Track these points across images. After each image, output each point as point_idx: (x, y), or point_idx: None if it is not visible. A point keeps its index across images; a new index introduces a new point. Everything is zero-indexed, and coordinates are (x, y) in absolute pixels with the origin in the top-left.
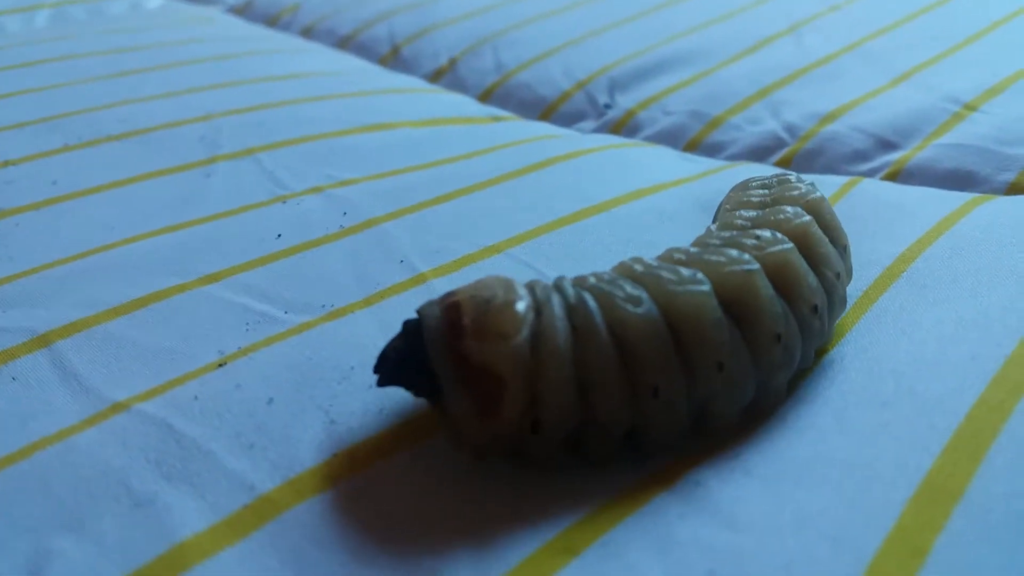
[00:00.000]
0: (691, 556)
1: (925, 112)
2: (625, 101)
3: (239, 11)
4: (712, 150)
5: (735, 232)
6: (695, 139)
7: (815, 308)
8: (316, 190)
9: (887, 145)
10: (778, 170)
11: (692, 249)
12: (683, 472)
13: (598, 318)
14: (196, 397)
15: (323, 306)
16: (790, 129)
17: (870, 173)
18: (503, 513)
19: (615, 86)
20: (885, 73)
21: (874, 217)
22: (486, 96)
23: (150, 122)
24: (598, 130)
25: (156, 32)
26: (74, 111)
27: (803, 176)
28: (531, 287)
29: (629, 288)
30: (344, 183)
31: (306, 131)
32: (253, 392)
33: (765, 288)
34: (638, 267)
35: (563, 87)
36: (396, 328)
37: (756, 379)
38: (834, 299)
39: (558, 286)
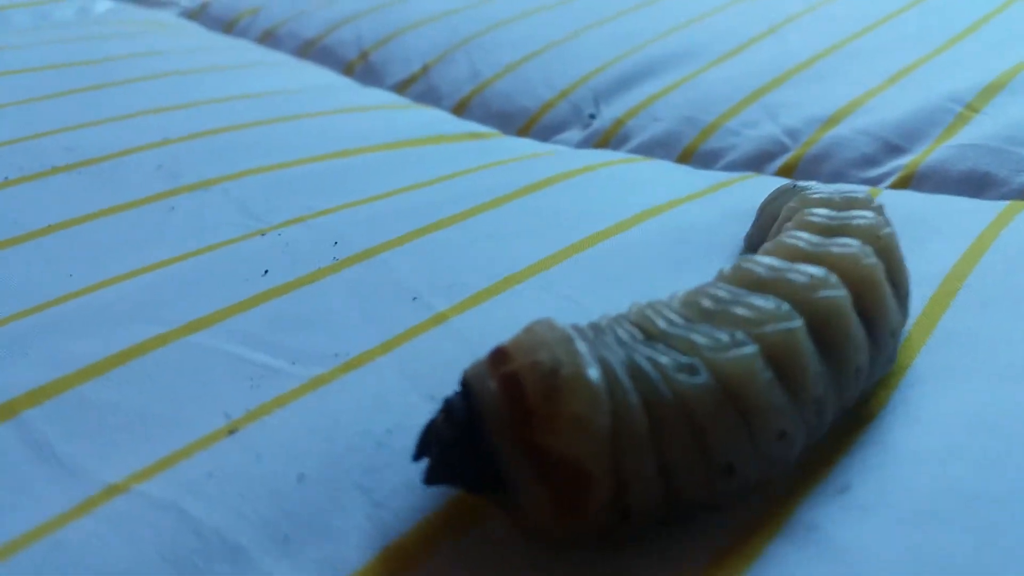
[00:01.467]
0: None
1: (928, 113)
2: (611, 110)
3: (194, 15)
4: (709, 159)
5: (780, 266)
6: (690, 147)
7: (858, 370)
8: (296, 220)
9: (895, 149)
10: (784, 180)
11: (721, 292)
12: (787, 514)
13: (665, 390)
14: (211, 474)
15: (336, 355)
16: (791, 134)
17: (880, 179)
18: None
19: (599, 94)
20: (876, 73)
21: (904, 235)
22: (462, 108)
23: (101, 150)
24: (585, 142)
25: (106, 44)
26: (14, 139)
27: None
28: (585, 342)
29: (678, 356)
30: (325, 212)
31: (274, 158)
32: (277, 466)
33: (808, 349)
34: (661, 323)
35: (545, 97)
36: (425, 380)
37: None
38: (879, 360)
39: (610, 341)
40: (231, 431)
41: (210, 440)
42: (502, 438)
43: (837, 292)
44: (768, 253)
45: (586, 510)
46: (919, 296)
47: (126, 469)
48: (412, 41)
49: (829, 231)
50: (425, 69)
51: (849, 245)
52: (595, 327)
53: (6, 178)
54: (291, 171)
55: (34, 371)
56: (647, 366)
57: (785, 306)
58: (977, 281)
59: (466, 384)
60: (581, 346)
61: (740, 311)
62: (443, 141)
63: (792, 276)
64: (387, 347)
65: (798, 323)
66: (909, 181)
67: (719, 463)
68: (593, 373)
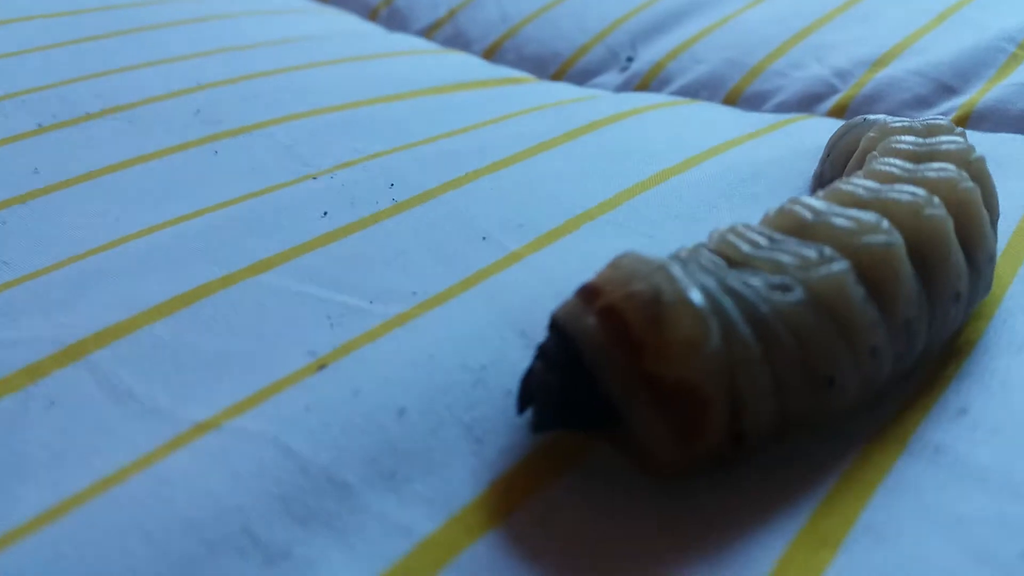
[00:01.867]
0: (988, 535)
1: (981, 52)
2: (649, 53)
3: None
4: (756, 101)
5: (879, 187)
6: (736, 89)
7: (957, 295)
8: (347, 164)
9: (948, 89)
10: (839, 121)
11: (820, 207)
12: (907, 433)
13: (765, 308)
14: (308, 408)
15: (414, 293)
16: (841, 75)
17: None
18: (725, 517)
19: (636, 37)
20: (922, 13)
21: None
22: (491, 53)
23: (132, 96)
24: (624, 86)
25: None
26: (42, 85)
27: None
28: (679, 268)
29: (771, 277)
30: (375, 156)
31: (314, 103)
32: (376, 400)
33: (904, 266)
34: (745, 247)
35: (579, 41)
36: (513, 316)
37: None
38: (979, 285)
39: (697, 267)
40: (321, 366)
41: (300, 375)
42: (611, 373)
43: (939, 212)
44: (861, 179)
45: (706, 434)
46: (1003, 232)
47: (213, 407)
48: None
49: (919, 157)
50: (452, 13)
51: (946, 169)
52: (678, 258)
53: (40, 124)
54: (333, 116)
55: (99, 313)
56: (742, 287)
57: (885, 222)
58: None
59: (558, 325)
60: (677, 271)
61: (838, 221)
62: (480, 87)
63: (894, 195)
64: (466, 284)
65: (896, 239)
66: (966, 121)
67: (822, 376)
68: (696, 296)
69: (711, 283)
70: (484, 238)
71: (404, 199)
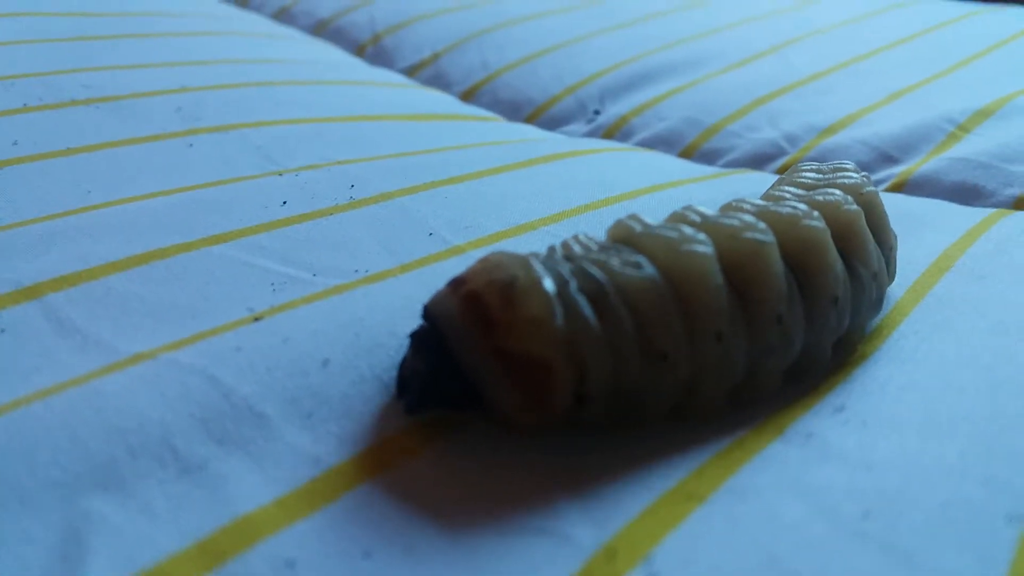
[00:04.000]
0: (837, 499)
1: (923, 129)
2: (616, 108)
3: None
4: (710, 157)
5: (769, 203)
6: (692, 145)
7: (835, 300)
8: (314, 167)
9: (889, 159)
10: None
11: (708, 212)
12: (784, 423)
13: (608, 285)
14: (239, 348)
15: (355, 271)
16: (790, 139)
17: (874, 185)
18: (603, 473)
19: (605, 92)
20: (876, 91)
21: (897, 226)
22: (469, 95)
23: (119, 90)
24: (588, 136)
25: (123, 1)
26: (32, 72)
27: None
28: (538, 261)
29: (628, 255)
30: (342, 162)
31: (291, 114)
32: (304, 349)
33: (775, 263)
34: (637, 227)
35: (552, 91)
36: None
37: (748, 360)
38: (862, 298)
39: (559, 258)
40: (256, 319)
41: (236, 324)
42: (470, 351)
43: (818, 224)
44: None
45: (553, 398)
46: (911, 272)
47: (151, 343)
48: (425, 29)
49: (814, 186)
50: (435, 57)
51: (833, 193)
52: (552, 248)
53: (25, 104)
54: (308, 126)
55: (60, 263)
56: (594, 269)
57: (763, 224)
58: (969, 262)
59: (428, 314)
60: (535, 263)
61: (724, 221)
62: (455, 119)
63: (778, 209)
64: (405, 268)
65: (770, 238)
66: (902, 187)
67: (656, 350)
68: (547, 282)
69: (566, 269)
70: (431, 234)
71: (361, 198)
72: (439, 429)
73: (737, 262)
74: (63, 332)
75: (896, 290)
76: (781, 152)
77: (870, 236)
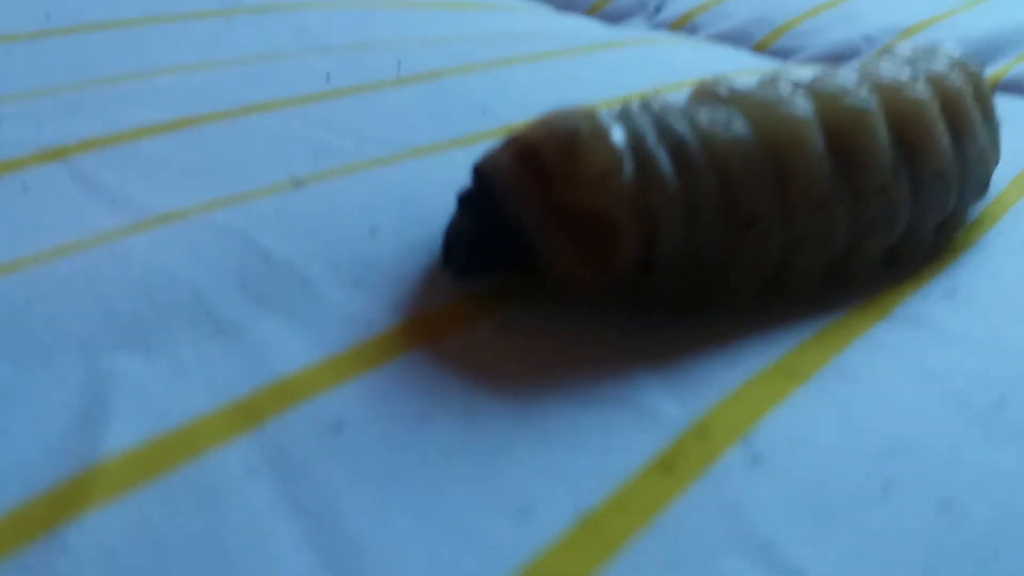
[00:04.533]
0: (964, 385)
1: (1009, 34)
2: (680, 4)
3: None
4: (781, 55)
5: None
6: (762, 43)
7: (941, 174)
8: (359, 45)
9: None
10: None
11: (804, 76)
12: (891, 305)
13: (692, 141)
14: (279, 210)
15: (403, 142)
16: (868, 39)
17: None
18: (686, 348)
19: None
20: None
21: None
22: None
23: None
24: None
25: None
26: None
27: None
28: (609, 115)
29: (718, 110)
30: (389, 44)
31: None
32: (349, 216)
33: (880, 131)
34: (723, 89)
35: None
36: None
37: (848, 234)
38: (968, 177)
39: (635, 110)
40: (298, 185)
41: (276, 188)
42: (524, 208)
43: (923, 93)
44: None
45: (615, 259)
46: (1013, 167)
47: (187, 202)
48: None
49: (913, 60)
50: None
51: (937, 65)
52: (628, 103)
53: None
54: (353, 9)
55: (86, 126)
56: (676, 123)
57: (864, 90)
58: None
59: (478, 172)
60: (602, 114)
61: (821, 85)
62: (511, 9)
63: (877, 76)
64: (456, 143)
65: (872, 106)
66: (992, 88)
67: (742, 214)
68: (616, 132)
69: (644, 121)
70: (484, 111)
71: (410, 74)
72: (498, 299)
73: (839, 129)
74: (90, 190)
75: (997, 182)
76: (857, 52)
77: (977, 111)
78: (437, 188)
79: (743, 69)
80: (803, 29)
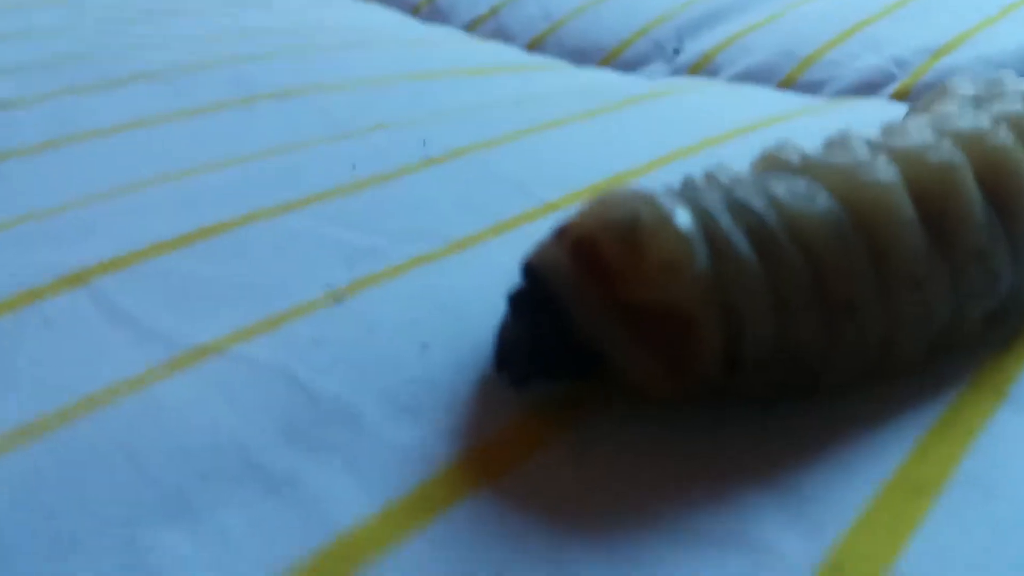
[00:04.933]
0: None
1: None
2: (697, 45)
3: None
4: (811, 88)
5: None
6: (791, 76)
7: None
8: (381, 126)
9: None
10: (901, 104)
11: (873, 136)
12: (1003, 384)
13: (772, 219)
14: (317, 341)
15: (439, 236)
16: (900, 63)
17: None
18: (790, 457)
19: (683, 31)
20: (980, 10)
21: None
22: (533, 46)
23: (168, 65)
24: (671, 76)
25: None
26: (72, 54)
27: None
28: (670, 195)
29: (795, 182)
30: (410, 122)
31: (352, 75)
32: (394, 336)
33: (971, 187)
34: (794, 157)
35: (623, 34)
36: None
37: (950, 305)
38: None
39: (701, 186)
40: (336, 299)
41: (312, 307)
42: (585, 309)
43: (1008, 139)
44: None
45: (697, 361)
46: None
47: (218, 331)
48: None
49: (980, 100)
50: (494, 11)
51: (1013, 104)
52: (689, 179)
53: (71, 85)
54: (371, 87)
55: (105, 246)
56: (752, 199)
57: (947, 141)
58: None
59: (529, 269)
60: (664, 197)
61: (897, 143)
62: (524, 69)
63: (955, 124)
64: (496, 230)
65: (959, 157)
66: None
67: (838, 299)
68: (680, 215)
69: (714, 198)
70: (519, 189)
71: (436, 155)
72: (567, 412)
73: (927, 192)
74: (115, 320)
75: None
76: (891, 79)
77: None
78: (485, 286)
79: (784, 111)
80: (830, 59)
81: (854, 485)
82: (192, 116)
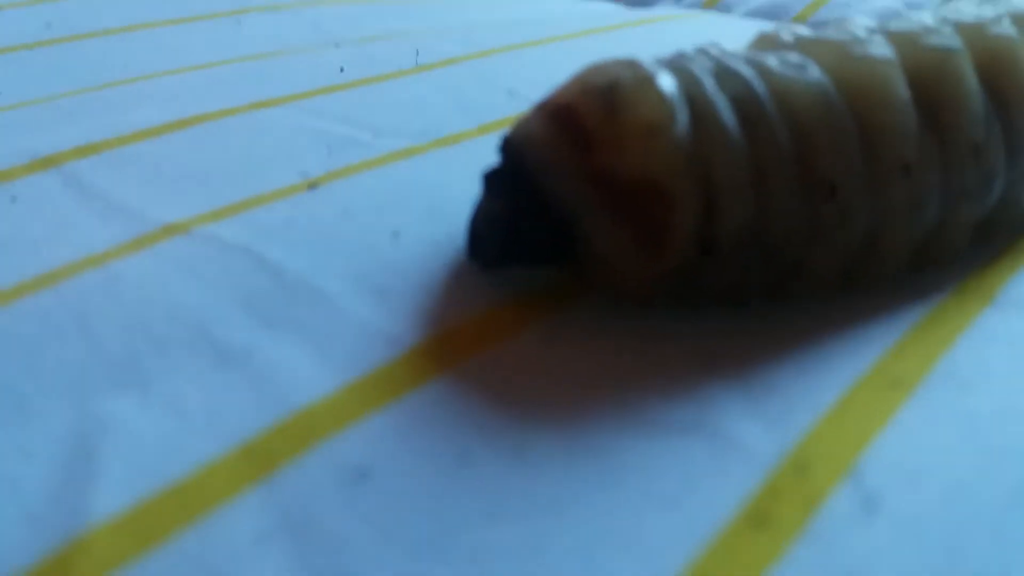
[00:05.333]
0: None
1: None
2: None
3: None
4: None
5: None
6: (802, 15)
7: None
8: (374, 38)
9: None
10: None
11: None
12: (992, 289)
13: (760, 88)
14: (289, 222)
15: (424, 132)
16: (913, 4)
17: None
18: (764, 354)
19: None
20: None
21: None
22: None
23: None
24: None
25: None
26: None
27: None
28: (656, 62)
29: (787, 55)
30: (409, 32)
31: None
32: (368, 221)
33: (969, 76)
34: (787, 35)
35: None
36: None
37: (940, 204)
38: None
39: (689, 55)
40: (311, 186)
41: (287, 192)
42: (560, 179)
43: (1009, 31)
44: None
45: (673, 238)
46: None
47: (188, 211)
48: None
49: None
50: None
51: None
52: (681, 52)
53: None
54: (366, 4)
55: (84, 133)
56: (740, 66)
57: (948, 27)
58: None
59: (507, 144)
60: (648, 63)
61: (897, 26)
62: None
63: (956, 15)
64: (484, 130)
65: (958, 45)
66: None
67: (820, 179)
68: (663, 78)
69: (703, 65)
70: (509, 91)
71: (428, 62)
72: (540, 303)
73: (923, 76)
74: (83, 199)
75: None
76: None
77: None
78: (465, 180)
79: None
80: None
81: (826, 381)
82: (184, 24)
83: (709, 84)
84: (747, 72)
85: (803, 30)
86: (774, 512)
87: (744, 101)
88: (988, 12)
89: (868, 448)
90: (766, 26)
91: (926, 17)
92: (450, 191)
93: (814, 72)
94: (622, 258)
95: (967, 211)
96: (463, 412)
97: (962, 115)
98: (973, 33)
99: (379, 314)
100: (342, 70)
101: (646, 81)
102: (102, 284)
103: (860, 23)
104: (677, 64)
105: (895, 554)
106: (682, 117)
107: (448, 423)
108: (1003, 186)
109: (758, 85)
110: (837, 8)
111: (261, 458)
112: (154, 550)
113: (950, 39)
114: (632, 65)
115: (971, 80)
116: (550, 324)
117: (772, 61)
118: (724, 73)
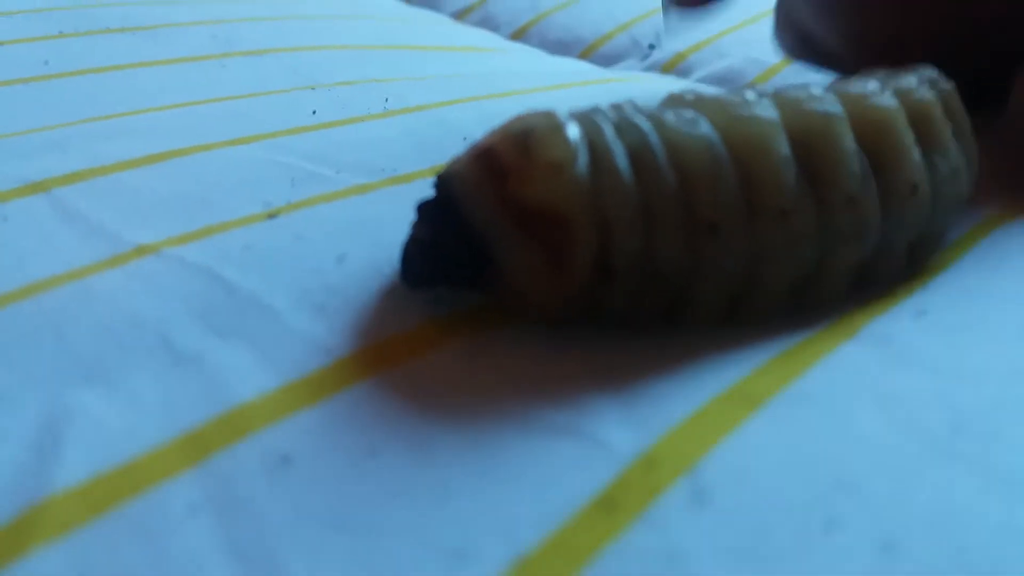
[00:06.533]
0: (921, 409)
1: None
2: (673, 44)
3: None
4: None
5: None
6: (753, 83)
7: (914, 188)
8: (348, 83)
9: None
10: None
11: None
12: (858, 325)
13: (654, 138)
14: (247, 247)
15: (382, 170)
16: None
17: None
18: (645, 371)
19: (661, 30)
20: None
21: None
22: (519, 35)
23: (155, 20)
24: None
25: None
26: (68, 6)
27: None
28: (569, 114)
29: (683, 112)
30: (382, 80)
31: (328, 42)
32: (317, 246)
33: (846, 138)
34: (690, 96)
35: (604, 28)
36: None
37: (817, 247)
38: (941, 196)
39: (600, 110)
40: (271, 216)
41: (248, 220)
42: (479, 207)
43: (890, 103)
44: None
45: (573, 263)
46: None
47: (159, 235)
48: None
49: (884, 80)
50: (483, 0)
51: (905, 80)
52: (597, 106)
53: (60, 31)
54: (346, 52)
55: (70, 161)
56: (640, 120)
57: (830, 96)
58: None
59: (439, 179)
60: (561, 114)
61: (785, 92)
62: (499, 52)
63: (846, 87)
64: (435, 170)
65: (838, 111)
66: None
67: (702, 219)
68: (570, 127)
69: (608, 117)
70: (465, 138)
71: (396, 108)
72: (465, 323)
73: (804, 136)
74: (68, 221)
75: (983, 204)
76: None
77: (948, 128)
78: (408, 215)
79: None
80: (793, 68)
81: (691, 395)
82: (172, 64)
83: (609, 133)
84: (645, 125)
85: (707, 91)
86: (621, 500)
87: (638, 148)
88: (872, 86)
89: (710, 451)
90: (709, 90)
91: (815, 88)
92: (397, 223)
93: (704, 127)
94: (530, 277)
95: (843, 254)
96: (378, 412)
97: (838, 169)
98: (855, 101)
99: (319, 327)
100: (314, 112)
101: (556, 128)
102: (77, 296)
103: (754, 91)
104: (586, 116)
105: (714, 539)
106: (583, 159)
107: (364, 420)
108: (879, 235)
109: (652, 136)
110: (789, 77)
111: (199, 445)
112: (104, 516)
113: (831, 105)
114: (547, 115)
115: (848, 140)
116: (473, 341)
117: (670, 116)
118: (625, 124)
